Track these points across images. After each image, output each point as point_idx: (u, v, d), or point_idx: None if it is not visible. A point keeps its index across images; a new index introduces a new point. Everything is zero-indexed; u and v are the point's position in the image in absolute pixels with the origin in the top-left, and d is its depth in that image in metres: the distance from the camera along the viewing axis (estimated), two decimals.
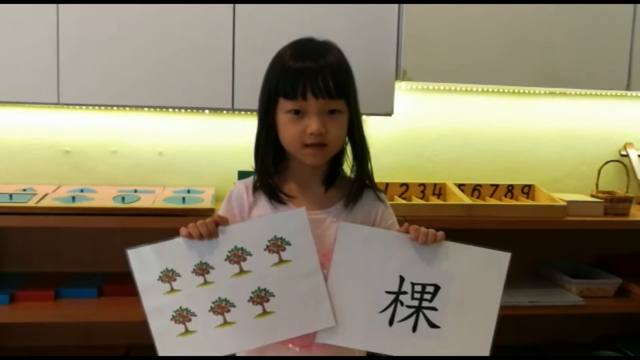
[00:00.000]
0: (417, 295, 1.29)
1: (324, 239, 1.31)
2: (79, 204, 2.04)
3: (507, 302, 2.19)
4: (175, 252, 1.27)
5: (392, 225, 1.40)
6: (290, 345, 1.30)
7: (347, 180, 1.38)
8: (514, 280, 2.36)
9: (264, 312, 1.27)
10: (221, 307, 1.27)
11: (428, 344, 1.29)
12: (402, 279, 1.28)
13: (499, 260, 1.29)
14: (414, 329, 1.29)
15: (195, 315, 1.28)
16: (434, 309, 1.28)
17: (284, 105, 1.26)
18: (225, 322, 1.27)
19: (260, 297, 1.27)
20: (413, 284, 1.28)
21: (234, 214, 1.34)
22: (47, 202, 2.03)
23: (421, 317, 1.29)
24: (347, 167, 1.39)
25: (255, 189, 1.35)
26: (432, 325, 1.29)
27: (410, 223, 1.30)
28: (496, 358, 2.39)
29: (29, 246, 2.34)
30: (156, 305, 1.28)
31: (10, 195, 2.05)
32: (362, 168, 1.35)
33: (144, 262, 1.27)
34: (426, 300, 1.29)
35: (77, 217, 1.99)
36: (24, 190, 2.18)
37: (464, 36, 2.19)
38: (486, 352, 1.30)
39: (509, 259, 1.28)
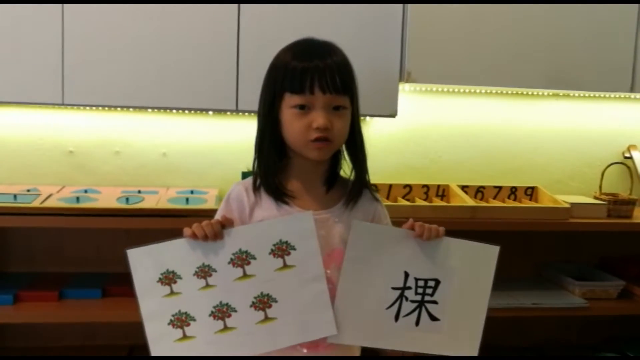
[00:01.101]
0: (420, 290, 1.32)
1: (328, 239, 1.32)
2: (82, 204, 2.05)
3: (510, 303, 2.20)
4: (178, 253, 1.24)
5: (387, 224, 1.42)
6: (298, 346, 1.29)
7: (345, 181, 1.39)
8: (517, 281, 2.41)
9: (266, 318, 1.25)
10: (222, 311, 1.25)
11: (429, 337, 1.32)
12: (406, 275, 1.31)
13: (489, 254, 1.34)
14: (417, 323, 1.32)
15: (194, 320, 1.25)
16: (435, 302, 1.32)
17: (290, 101, 1.27)
18: (226, 328, 1.25)
19: (263, 302, 1.25)
20: (416, 279, 1.31)
21: (233, 217, 1.32)
22: (51, 203, 2.04)
23: (423, 311, 1.32)
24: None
25: (257, 188, 1.35)
26: (433, 318, 1.32)
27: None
28: (498, 358, 2.41)
29: (32, 246, 2.34)
30: (154, 308, 1.25)
31: (15, 196, 2.06)
32: (361, 168, 1.36)
33: (144, 263, 1.24)
34: (428, 294, 1.32)
35: (81, 217, 1.99)
36: (28, 190, 2.19)
37: (468, 38, 2.19)
38: (477, 340, 1.34)
39: (498, 253, 1.34)
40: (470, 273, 1.33)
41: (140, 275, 1.25)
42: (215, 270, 1.25)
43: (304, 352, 1.30)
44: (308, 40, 1.33)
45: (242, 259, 1.25)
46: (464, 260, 1.33)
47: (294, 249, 1.25)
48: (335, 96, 1.26)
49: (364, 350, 1.36)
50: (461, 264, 1.33)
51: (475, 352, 1.34)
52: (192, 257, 1.24)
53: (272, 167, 1.33)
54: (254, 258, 1.25)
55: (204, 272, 1.24)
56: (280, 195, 1.32)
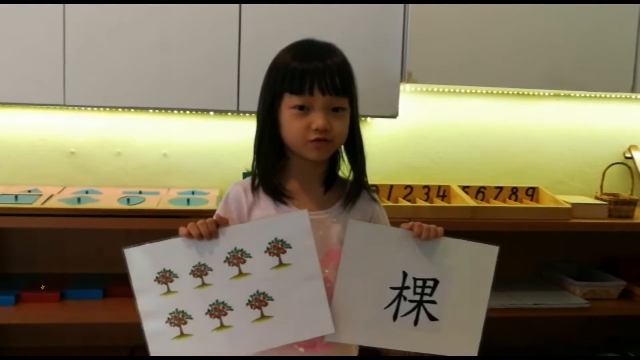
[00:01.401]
0: (418, 290, 1.31)
1: (326, 239, 1.32)
2: (84, 205, 2.05)
3: (511, 304, 2.20)
4: (174, 252, 1.25)
5: (386, 225, 1.42)
6: (295, 346, 1.30)
7: (343, 181, 1.39)
8: (518, 282, 2.41)
9: (262, 317, 1.25)
10: (218, 310, 1.25)
11: (428, 336, 1.32)
12: (405, 275, 1.31)
13: (489, 254, 1.34)
14: (416, 322, 1.32)
15: (191, 318, 1.25)
16: (434, 302, 1.32)
17: (290, 101, 1.27)
18: (222, 326, 1.25)
19: (259, 300, 1.25)
20: (415, 279, 1.31)
21: (231, 217, 1.32)
22: (52, 204, 2.04)
23: (422, 310, 1.32)
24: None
25: (255, 188, 1.35)
26: (432, 318, 1.32)
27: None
28: (498, 358, 2.41)
29: (34, 247, 2.35)
30: (152, 306, 1.25)
31: (16, 197, 2.07)
32: (360, 169, 1.37)
33: (141, 262, 1.25)
34: (427, 294, 1.32)
35: (82, 218, 2.00)
36: (29, 191, 2.19)
37: (469, 38, 2.19)
38: (477, 340, 1.34)
39: (497, 252, 1.33)
40: (469, 273, 1.33)
41: (138, 273, 1.25)
42: (211, 269, 1.25)
43: (301, 351, 1.30)
44: (308, 41, 1.33)
45: (237, 258, 1.25)
46: (462, 260, 1.33)
47: (290, 247, 1.25)
48: (334, 97, 1.26)
49: (364, 350, 1.36)
50: (460, 264, 1.32)
51: (475, 352, 1.34)
52: (188, 256, 1.25)
53: (271, 167, 1.33)
54: (250, 256, 1.25)
55: (200, 271, 1.25)
56: (278, 195, 1.33)
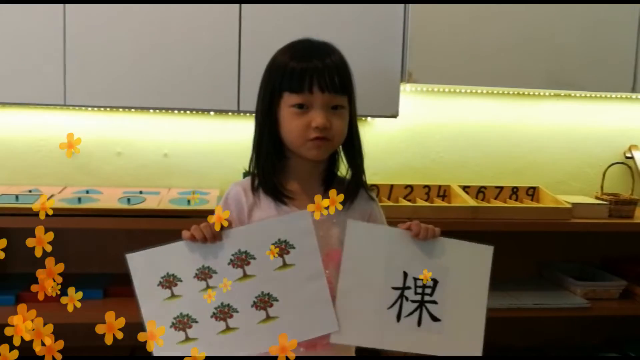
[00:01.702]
0: (419, 290, 1.32)
1: (327, 239, 1.32)
2: (84, 205, 2.05)
3: (511, 304, 2.20)
4: (177, 256, 1.24)
5: (383, 224, 1.43)
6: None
7: (341, 180, 1.39)
8: (518, 282, 2.40)
9: (268, 318, 1.25)
10: (224, 312, 1.25)
11: (432, 337, 1.32)
12: (405, 275, 1.31)
13: (484, 254, 1.34)
14: (419, 323, 1.32)
15: (196, 322, 1.25)
16: (435, 302, 1.33)
17: (289, 100, 1.27)
18: (228, 328, 1.25)
19: (264, 301, 1.25)
20: (415, 279, 1.32)
21: (232, 217, 1.32)
22: (53, 203, 2.03)
23: (424, 311, 1.32)
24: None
25: (255, 189, 1.35)
26: (434, 318, 1.33)
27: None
28: (499, 358, 2.40)
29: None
30: (156, 312, 1.25)
31: (16, 197, 2.06)
32: (358, 168, 1.37)
33: (144, 267, 1.24)
34: (427, 294, 1.32)
35: (83, 218, 2.00)
36: (30, 191, 2.19)
37: (469, 38, 2.19)
38: (480, 340, 1.34)
39: (492, 252, 1.34)
40: (466, 273, 1.34)
41: (141, 279, 1.25)
42: (215, 272, 1.24)
43: (301, 350, 1.30)
44: (306, 40, 1.33)
45: (241, 260, 1.25)
46: (459, 261, 1.33)
47: (293, 248, 1.25)
48: (334, 96, 1.27)
49: (365, 350, 1.36)
50: (457, 264, 1.33)
51: (479, 352, 1.34)
52: (192, 259, 1.25)
53: (271, 168, 1.33)
54: (254, 258, 1.25)
55: (204, 274, 1.24)
56: (279, 196, 1.33)
